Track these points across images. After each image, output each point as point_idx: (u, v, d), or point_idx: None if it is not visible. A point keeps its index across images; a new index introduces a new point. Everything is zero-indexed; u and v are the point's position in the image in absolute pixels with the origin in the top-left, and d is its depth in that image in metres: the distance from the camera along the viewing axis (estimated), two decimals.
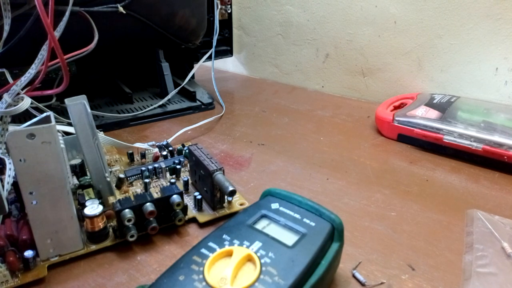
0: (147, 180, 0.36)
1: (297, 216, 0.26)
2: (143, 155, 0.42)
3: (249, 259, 0.23)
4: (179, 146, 0.44)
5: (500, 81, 0.54)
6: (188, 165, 0.39)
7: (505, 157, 0.41)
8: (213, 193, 0.34)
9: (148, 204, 0.30)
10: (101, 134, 0.44)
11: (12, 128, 0.30)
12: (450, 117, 0.47)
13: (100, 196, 0.33)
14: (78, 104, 0.31)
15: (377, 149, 0.48)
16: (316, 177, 0.41)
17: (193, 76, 0.69)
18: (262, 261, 0.22)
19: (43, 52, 0.38)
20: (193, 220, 0.34)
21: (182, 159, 0.41)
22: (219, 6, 0.66)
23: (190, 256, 0.23)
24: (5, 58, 0.42)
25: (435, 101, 0.52)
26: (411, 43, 0.60)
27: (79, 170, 0.37)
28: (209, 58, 0.65)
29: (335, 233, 0.26)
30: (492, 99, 0.55)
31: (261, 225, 0.26)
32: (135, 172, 0.39)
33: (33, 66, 0.38)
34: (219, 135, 0.52)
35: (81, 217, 0.30)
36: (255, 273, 0.21)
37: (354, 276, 0.28)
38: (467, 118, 0.47)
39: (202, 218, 0.33)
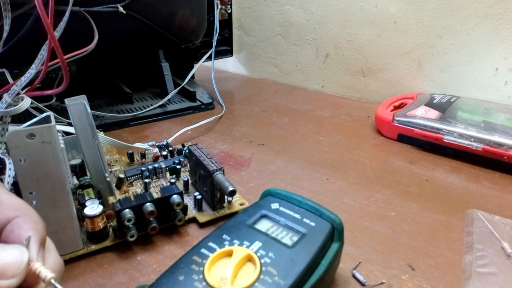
0: (147, 180, 0.36)
1: (297, 216, 0.26)
2: (143, 155, 0.42)
3: (249, 259, 0.23)
4: (179, 146, 0.44)
5: (500, 81, 0.54)
6: (188, 165, 0.39)
7: (505, 157, 0.41)
8: (213, 193, 0.34)
9: (148, 204, 0.30)
10: (101, 134, 0.44)
11: (12, 128, 0.30)
12: (450, 117, 0.47)
13: (100, 196, 0.33)
14: (78, 104, 0.31)
15: (377, 149, 0.48)
16: (316, 177, 0.41)
17: (193, 76, 0.69)
18: (262, 261, 0.22)
19: (43, 52, 0.38)
20: (193, 220, 0.34)
21: (182, 159, 0.41)
22: (219, 6, 0.66)
23: (190, 256, 0.23)
24: (5, 58, 0.42)
25: (435, 101, 0.52)
26: (411, 43, 0.60)
27: (79, 170, 0.37)
28: (209, 58, 0.65)
29: (335, 233, 0.26)
30: (492, 99, 0.55)
31: (261, 225, 0.26)
32: (135, 172, 0.39)
33: (33, 66, 0.38)
34: (219, 135, 0.52)
35: (81, 217, 0.30)
36: (255, 273, 0.21)
37: (354, 276, 0.28)
38: (467, 118, 0.47)
39: (202, 218, 0.33)
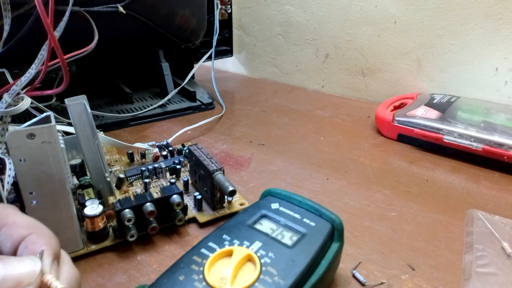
0: (147, 180, 0.36)
1: (297, 216, 0.26)
2: (143, 155, 0.42)
3: (249, 259, 0.23)
4: (179, 146, 0.44)
5: (500, 81, 0.54)
6: (188, 165, 0.39)
7: (505, 157, 0.41)
8: (213, 193, 0.34)
9: (148, 204, 0.30)
10: (101, 134, 0.44)
11: (12, 128, 0.30)
12: (450, 117, 0.47)
13: (100, 196, 0.33)
14: (78, 104, 0.31)
15: (377, 149, 0.48)
16: (316, 177, 0.41)
17: (193, 76, 0.69)
18: (262, 261, 0.22)
19: (43, 52, 0.38)
20: (193, 220, 0.34)
21: (182, 159, 0.41)
22: (219, 6, 0.66)
23: (190, 256, 0.23)
24: (5, 58, 0.42)
25: (435, 101, 0.52)
26: (411, 43, 0.60)
27: (79, 170, 0.37)
28: (209, 58, 0.65)
29: (335, 233, 0.26)
30: (492, 99, 0.55)
31: (261, 225, 0.26)
32: (135, 172, 0.39)
33: (33, 66, 0.38)
34: (219, 135, 0.52)
35: (81, 217, 0.30)
36: (255, 273, 0.21)
37: (354, 276, 0.28)
38: (467, 118, 0.47)
39: (202, 218, 0.33)
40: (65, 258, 0.22)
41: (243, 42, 0.84)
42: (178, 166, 0.39)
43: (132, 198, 0.31)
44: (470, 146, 0.43)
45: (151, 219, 0.31)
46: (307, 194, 0.38)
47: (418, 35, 0.59)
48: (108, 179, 0.34)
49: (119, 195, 0.36)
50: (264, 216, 0.26)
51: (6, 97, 0.36)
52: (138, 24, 0.53)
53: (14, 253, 0.20)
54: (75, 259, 0.29)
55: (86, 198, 0.33)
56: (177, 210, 0.32)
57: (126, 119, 0.54)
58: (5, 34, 0.40)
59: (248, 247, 0.23)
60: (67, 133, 0.41)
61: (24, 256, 0.19)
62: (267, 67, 0.82)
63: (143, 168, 0.39)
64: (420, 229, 0.33)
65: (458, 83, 0.58)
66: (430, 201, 0.37)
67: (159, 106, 0.58)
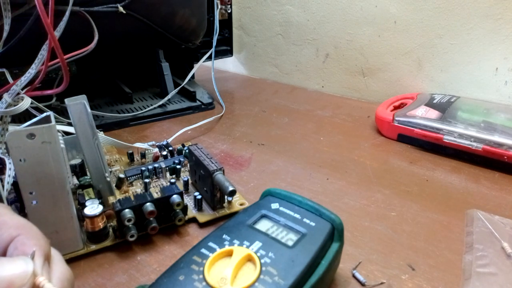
0: (147, 180, 0.36)
1: (297, 216, 0.26)
2: (143, 155, 0.42)
3: (249, 259, 0.23)
4: (179, 146, 0.44)
5: (500, 81, 0.54)
6: (188, 165, 0.39)
7: (505, 157, 0.41)
8: (213, 193, 0.34)
9: (148, 204, 0.30)
10: (101, 134, 0.44)
11: (12, 128, 0.30)
12: (450, 117, 0.47)
13: (100, 196, 0.33)
14: (78, 104, 0.31)
15: (377, 149, 0.48)
16: (316, 177, 0.41)
17: (193, 76, 0.69)
18: (262, 261, 0.22)
19: (43, 52, 0.38)
20: (193, 220, 0.34)
21: (182, 159, 0.41)
22: (219, 6, 0.66)
23: (190, 256, 0.23)
24: (5, 58, 0.42)
25: (435, 101, 0.52)
26: (411, 43, 0.60)
27: (79, 170, 0.37)
28: (209, 58, 0.65)
29: (335, 233, 0.26)
30: (492, 99, 0.55)
31: (261, 225, 0.26)
32: (135, 172, 0.39)
33: (33, 66, 0.38)
34: (219, 135, 0.52)
35: (81, 217, 0.30)
36: (255, 273, 0.21)
37: (354, 276, 0.28)
38: (467, 118, 0.47)
39: (202, 218, 0.33)
40: (56, 257, 0.21)
41: (243, 42, 0.84)
42: (178, 166, 0.39)
43: (132, 198, 0.31)
44: (470, 146, 0.43)
45: (151, 219, 0.31)
46: (307, 194, 0.38)
47: (418, 35, 0.59)
48: (108, 179, 0.34)
49: (119, 195, 0.36)
50: (264, 216, 0.26)
51: (6, 97, 0.36)
52: (138, 24, 0.53)
53: (3, 254, 0.20)
54: (75, 259, 0.29)
55: (86, 198, 0.33)
56: (177, 210, 0.32)
57: (126, 119, 0.54)
58: (5, 34, 0.40)
59: (248, 247, 0.23)
60: (67, 133, 0.41)
61: (15, 257, 0.19)
62: (267, 67, 0.82)
63: (143, 168, 0.39)
64: (420, 229, 0.33)
65: (458, 83, 0.58)
66: (430, 201, 0.37)
67: (159, 106, 0.58)
